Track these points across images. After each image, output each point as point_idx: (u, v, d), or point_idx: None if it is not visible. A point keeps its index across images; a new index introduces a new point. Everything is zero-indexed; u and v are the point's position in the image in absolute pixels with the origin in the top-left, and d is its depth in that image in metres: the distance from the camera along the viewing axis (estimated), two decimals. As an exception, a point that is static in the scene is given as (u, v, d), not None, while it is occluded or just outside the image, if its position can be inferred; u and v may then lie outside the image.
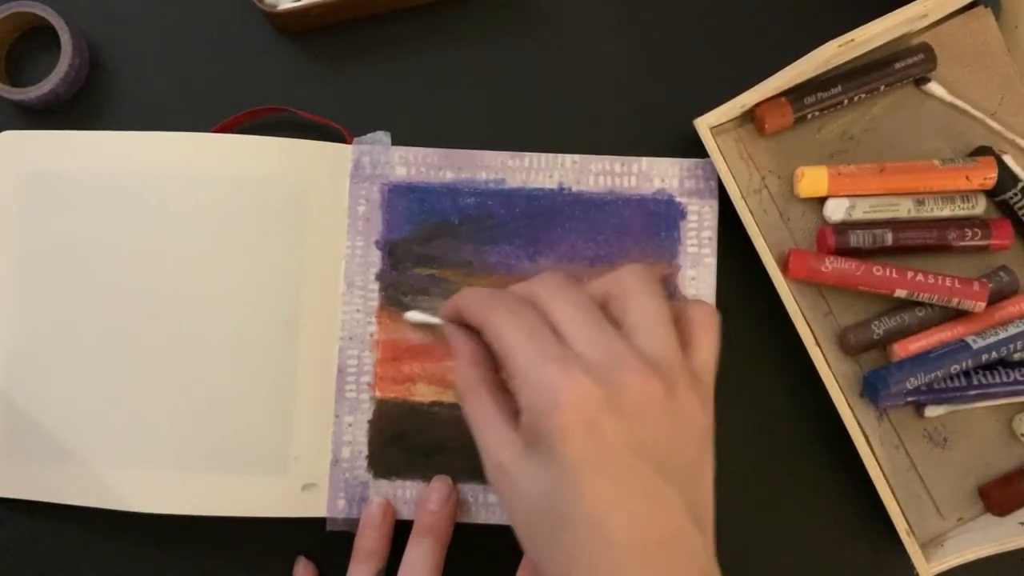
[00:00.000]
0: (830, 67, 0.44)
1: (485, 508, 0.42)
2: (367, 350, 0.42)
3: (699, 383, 0.30)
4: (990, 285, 0.42)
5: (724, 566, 0.30)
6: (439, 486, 0.41)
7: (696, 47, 0.46)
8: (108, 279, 0.42)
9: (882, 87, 0.44)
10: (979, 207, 0.43)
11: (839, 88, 0.43)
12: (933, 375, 0.41)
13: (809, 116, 0.44)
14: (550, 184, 0.43)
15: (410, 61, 0.46)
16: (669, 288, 0.43)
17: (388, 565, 0.41)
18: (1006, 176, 0.43)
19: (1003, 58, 0.45)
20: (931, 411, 0.43)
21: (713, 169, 0.43)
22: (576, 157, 0.43)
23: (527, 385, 0.29)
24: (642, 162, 0.43)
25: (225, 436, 0.41)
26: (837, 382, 0.41)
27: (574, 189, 0.43)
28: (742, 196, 0.42)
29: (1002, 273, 0.43)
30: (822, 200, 0.44)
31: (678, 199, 0.43)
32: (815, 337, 0.41)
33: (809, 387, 0.43)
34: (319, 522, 0.42)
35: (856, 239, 0.43)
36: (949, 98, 0.45)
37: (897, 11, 0.40)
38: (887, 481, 0.41)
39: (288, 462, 0.41)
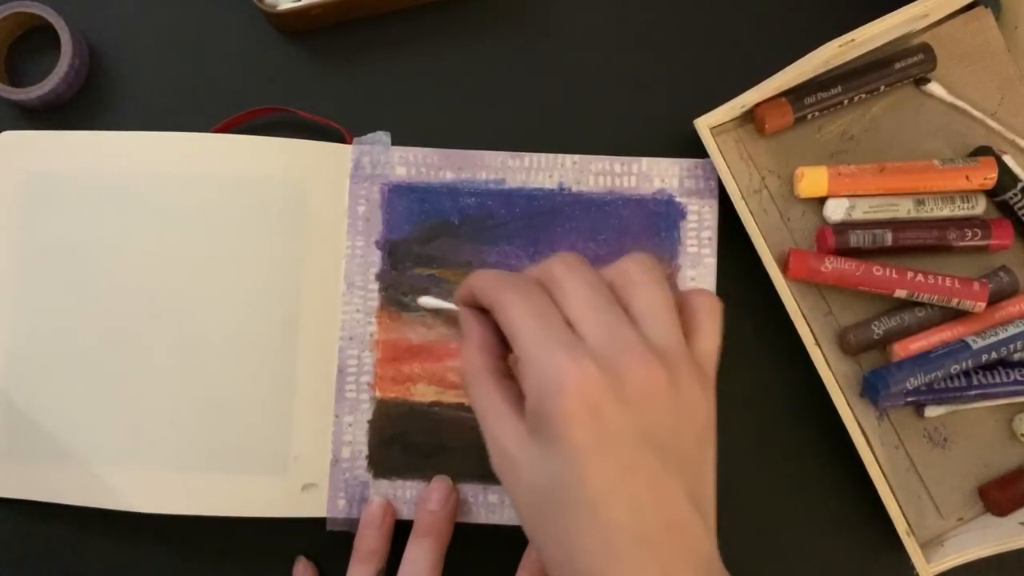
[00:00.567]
0: (830, 67, 0.44)
1: (485, 508, 0.42)
2: (367, 350, 0.42)
3: (702, 372, 0.30)
4: (990, 285, 0.42)
5: (724, 566, 0.30)
6: (439, 486, 0.41)
7: (696, 47, 0.46)
8: (108, 279, 0.42)
9: (882, 87, 0.44)
10: (979, 207, 0.43)
11: (839, 88, 0.43)
12: (933, 375, 0.41)
13: (809, 116, 0.44)
14: (550, 184, 0.43)
15: (410, 61, 0.46)
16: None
17: (388, 565, 0.41)
18: (1006, 176, 0.43)
19: (1003, 58, 0.45)
20: (931, 411, 0.43)
21: (713, 169, 0.43)
22: (576, 157, 0.43)
23: (532, 368, 0.29)
24: (642, 162, 0.43)
25: (225, 436, 0.41)
26: (837, 382, 0.41)
27: (574, 189, 0.43)
28: (742, 196, 0.42)
29: (1002, 273, 0.43)
30: (822, 200, 0.44)
31: (678, 199, 0.43)
32: (815, 337, 0.41)
33: (809, 387, 0.43)
34: (319, 522, 0.42)
35: (856, 239, 0.43)
36: (949, 98, 0.45)
37: (897, 11, 0.40)
38: (887, 481, 0.41)
39: (288, 462, 0.41)
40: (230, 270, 0.42)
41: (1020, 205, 0.43)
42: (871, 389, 0.42)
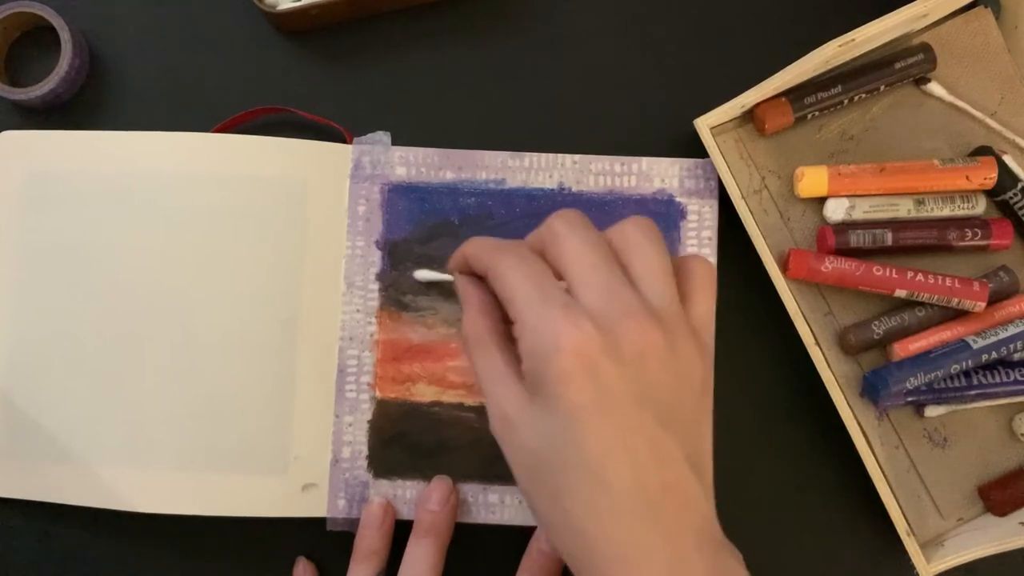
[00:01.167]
0: (830, 67, 0.44)
1: (485, 508, 0.42)
2: (367, 350, 0.42)
3: (697, 335, 0.30)
4: (990, 285, 0.42)
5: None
6: (439, 486, 0.41)
7: (696, 47, 0.46)
8: (108, 279, 0.42)
9: (882, 87, 0.44)
10: (979, 207, 0.43)
11: (839, 88, 0.43)
12: (933, 375, 0.41)
13: (809, 116, 0.44)
14: (550, 184, 0.43)
15: (410, 61, 0.46)
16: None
17: (388, 565, 0.41)
18: (1006, 176, 0.43)
19: (1003, 58, 0.45)
20: (931, 411, 0.43)
21: (713, 169, 0.43)
22: (576, 157, 0.43)
23: (529, 329, 0.29)
24: (642, 162, 0.43)
25: (225, 436, 0.41)
26: (837, 382, 0.41)
27: (574, 189, 0.43)
28: (742, 196, 0.42)
29: (1002, 273, 0.43)
30: (822, 200, 0.44)
31: (678, 199, 0.43)
32: (815, 337, 0.41)
33: (809, 387, 0.43)
34: (319, 522, 0.42)
35: (856, 239, 0.43)
36: (949, 98, 0.45)
37: (897, 11, 0.40)
38: (887, 481, 0.41)
39: (288, 462, 0.41)
40: (230, 270, 0.42)
41: (1020, 205, 0.43)
42: (871, 389, 0.42)
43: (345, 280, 0.43)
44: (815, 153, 0.45)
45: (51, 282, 0.42)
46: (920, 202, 0.43)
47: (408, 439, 0.42)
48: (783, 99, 0.43)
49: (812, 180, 0.43)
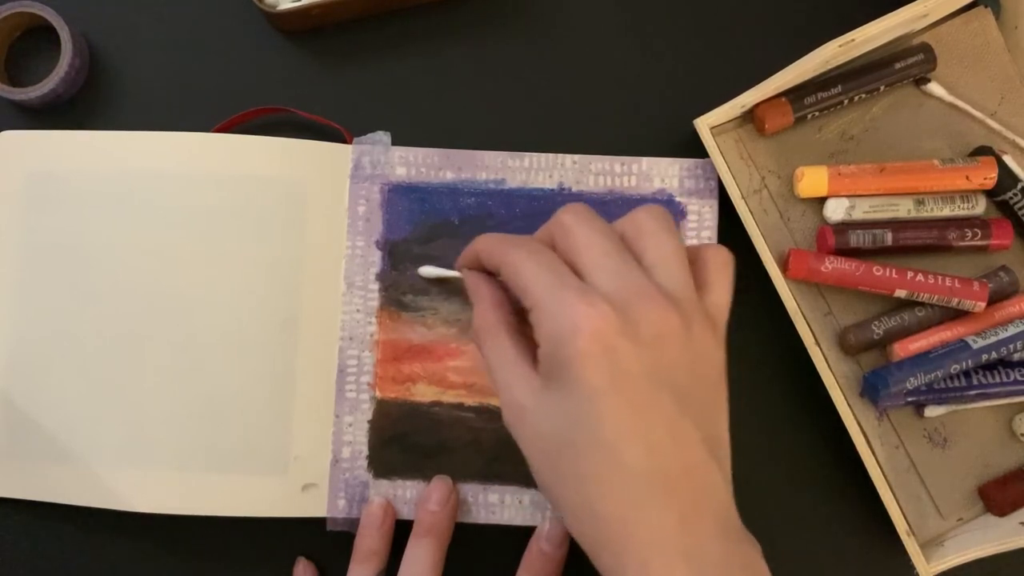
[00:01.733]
0: (830, 67, 0.44)
1: (485, 508, 0.42)
2: (367, 350, 0.42)
3: (713, 323, 0.30)
4: (990, 285, 0.42)
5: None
6: (439, 486, 0.41)
7: (696, 47, 0.46)
8: (108, 279, 0.42)
9: (882, 87, 0.44)
10: (979, 207, 0.43)
11: (839, 88, 0.43)
12: (933, 375, 0.41)
13: (809, 116, 0.44)
14: (550, 184, 0.43)
15: (410, 61, 0.46)
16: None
17: (388, 565, 0.41)
18: (1006, 176, 0.43)
19: (1003, 58, 0.45)
20: (931, 411, 0.43)
21: (713, 169, 0.43)
22: (576, 157, 0.43)
23: (546, 314, 0.29)
24: (642, 162, 0.43)
25: (225, 436, 0.41)
26: (837, 382, 0.41)
27: (574, 189, 0.43)
28: (742, 196, 0.42)
29: (1002, 273, 0.43)
30: (822, 200, 0.44)
31: (678, 199, 0.43)
32: (815, 337, 0.41)
33: (809, 387, 0.43)
34: (319, 522, 0.42)
35: (856, 239, 0.43)
36: (949, 98, 0.45)
37: (897, 11, 0.40)
38: (887, 481, 0.41)
39: (288, 462, 0.41)
40: (230, 270, 0.42)
41: (1020, 205, 0.43)
42: (871, 389, 0.42)
43: (345, 280, 0.43)
44: (815, 153, 0.45)
45: (51, 282, 0.42)
46: (920, 202, 0.43)
47: (408, 439, 0.42)
48: (783, 99, 0.43)
49: (812, 180, 0.43)
